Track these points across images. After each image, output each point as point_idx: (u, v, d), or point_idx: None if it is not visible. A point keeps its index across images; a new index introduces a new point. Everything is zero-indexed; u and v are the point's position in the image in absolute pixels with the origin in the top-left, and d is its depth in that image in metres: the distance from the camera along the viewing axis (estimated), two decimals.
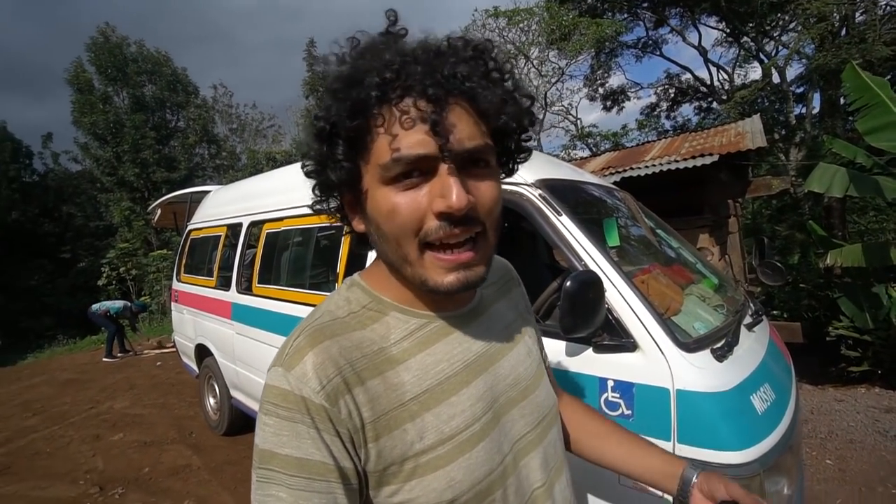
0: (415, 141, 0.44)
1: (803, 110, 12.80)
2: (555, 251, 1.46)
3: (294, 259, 2.88)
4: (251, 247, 3.39)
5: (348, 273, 2.30)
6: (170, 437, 3.88)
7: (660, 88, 17.51)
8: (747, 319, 1.60)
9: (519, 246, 2.62)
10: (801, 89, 13.02)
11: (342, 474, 0.44)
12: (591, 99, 17.54)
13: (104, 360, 7.43)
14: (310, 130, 0.51)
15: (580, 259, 1.37)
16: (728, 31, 14.26)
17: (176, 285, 4.43)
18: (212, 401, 3.92)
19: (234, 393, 3.48)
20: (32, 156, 22.70)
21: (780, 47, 13.14)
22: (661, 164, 4.04)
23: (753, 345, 1.46)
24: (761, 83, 12.11)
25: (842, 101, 8.92)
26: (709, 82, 15.98)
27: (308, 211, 2.59)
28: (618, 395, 1.25)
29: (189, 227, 4.36)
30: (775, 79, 12.41)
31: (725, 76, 15.67)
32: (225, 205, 3.84)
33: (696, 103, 17.34)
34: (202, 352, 3.88)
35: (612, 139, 15.40)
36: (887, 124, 4.12)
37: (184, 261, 4.35)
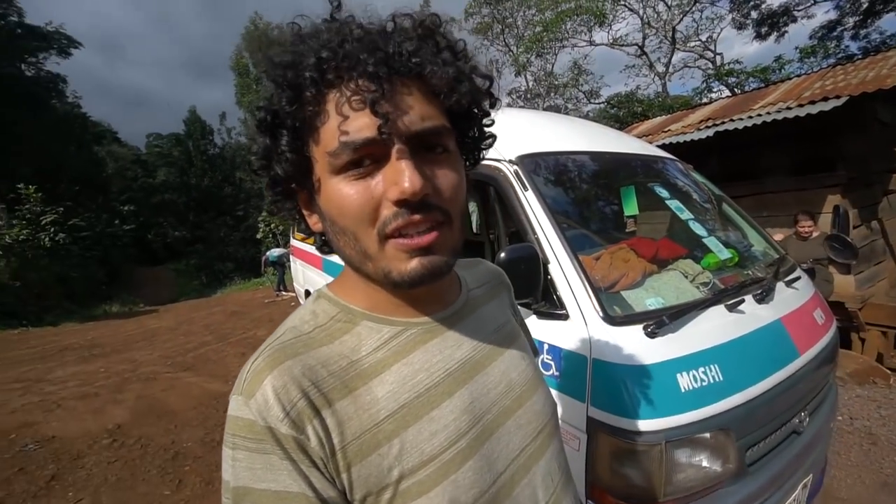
0: (360, 125, 0.41)
1: None
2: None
3: None
4: None
5: None
6: None
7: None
8: (742, 298, 1.51)
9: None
10: None
11: None
12: (740, 27, 14.42)
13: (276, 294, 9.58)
14: (252, 122, 0.48)
15: (533, 232, 1.48)
16: None
17: (293, 242, 5.44)
18: None
19: None
20: (213, 132, 28.09)
21: None
22: (760, 116, 3.41)
23: (726, 325, 1.41)
24: None
25: None
26: None
27: None
28: (550, 358, 1.39)
29: None
30: None
31: None
32: None
33: None
34: (308, 296, 4.81)
35: (761, 76, 12.45)
36: None
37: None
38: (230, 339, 6.23)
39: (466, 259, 0.67)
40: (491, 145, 0.57)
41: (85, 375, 5.01)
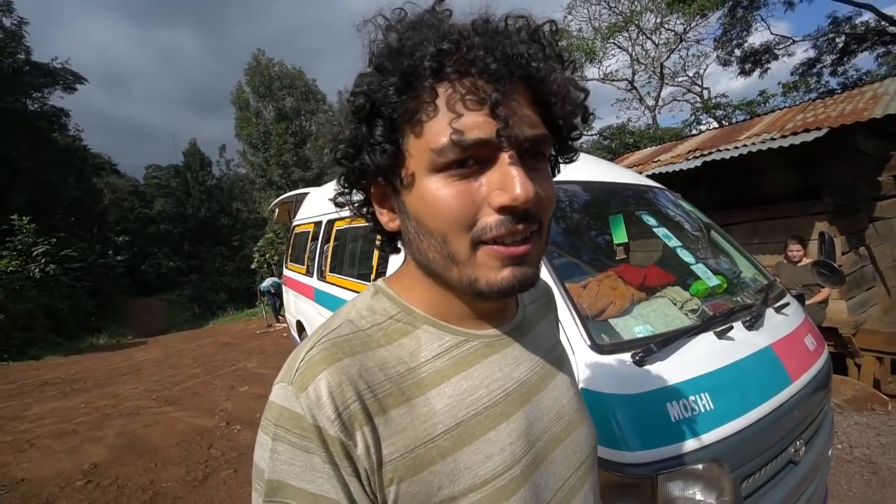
0: (474, 123, 0.38)
1: None
2: None
3: (350, 253, 3.38)
4: (328, 241, 4.02)
5: (381, 265, 2.69)
6: None
7: (821, 39, 14.20)
8: (730, 325, 1.50)
9: None
10: None
11: None
12: (724, 64, 15.11)
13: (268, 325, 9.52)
14: (344, 109, 0.45)
15: None
16: None
17: (285, 272, 5.40)
18: None
19: None
20: (211, 164, 28.50)
21: None
22: (746, 147, 3.51)
23: (715, 352, 1.39)
24: None
25: None
26: None
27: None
28: None
29: (294, 223, 5.27)
30: None
31: None
32: (315, 205, 4.57)
33: (881, 49, 13.62)
34: (300, 327, 4.73)
35: (747, 109, 13.04)
36: None
37: (289, 252, 5.28)
38: (219, 372, 6.07)
39: None
40: (573, 160, 0.54)
41: (64, 412, 4.84)
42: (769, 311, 1.67)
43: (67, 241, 14.11)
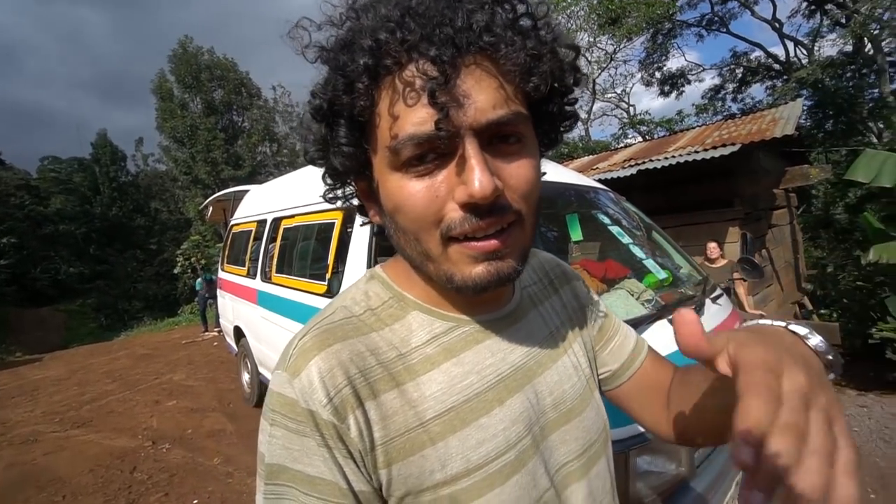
0: (421, 117, 0.35)
1: None
2: None
3: (301, 251, 3.22)
4: (273, 240, 3.79)
5: (337, 263, 2.59)
6: (212, 406, 4.46)
7: (725, 69, 16.20)
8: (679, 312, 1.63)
9: None
10: None
11: (358, 499, 0.39)
12: (647, 84, 16.65)
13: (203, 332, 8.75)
14: (307, 109, 0.43)
15: None
16: None
17: (221, 274, 5.01)
18: (246, 376, 4.43)
19: (261, 370, 3.93)
20: (126, 158, 25.73)
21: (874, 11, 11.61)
22: (675, 157, 3.90)
23: (670, 338, 1.51)
24: (839, 58, 10.81)
25: None
26: (783, 58, 14.52)
27: (310, 209, 2.88)
28: None
29: (231, 223, 4.91)
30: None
31: (804, 51, 14.14)
32: (257, 202, 4.29)
33: (769, 83, 15.82)
34: (238, 333, 4.40)
35: (667, 126, 14.60)
36: None
37: (226, 252, 4.90)
38: (140, 387, 5.44)
39: None
40: (572, 127, 0.49)
41: None
42: (707, 301, 1.86)
43: None
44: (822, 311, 5.20)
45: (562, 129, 0.48)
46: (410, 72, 0.36)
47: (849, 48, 11.83)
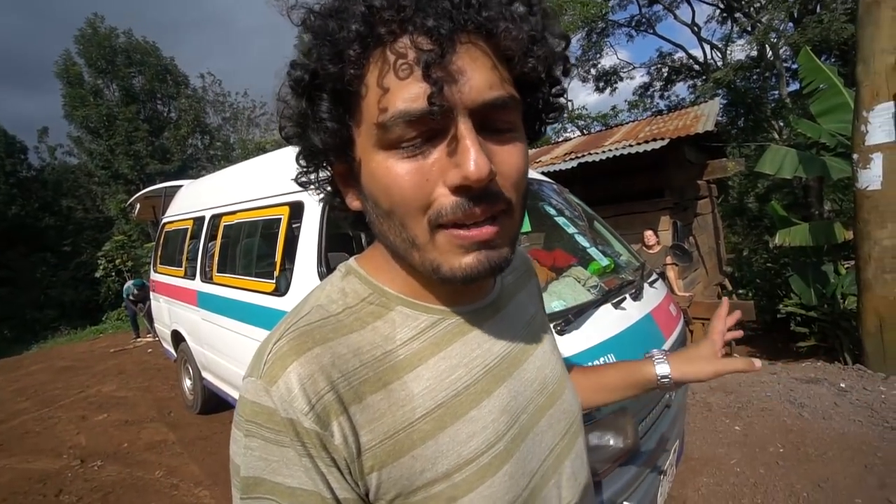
0: (415, 93, 0.33)
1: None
2: None
3: (245, 249, 3.07)
4: (213, 238, 3.57)
5: (285, 261, 2.50)
6: (150, 417, 4.14)
7: (653, 68, 17.40)
8: (624, 297, 1.77)
9: None
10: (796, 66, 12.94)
11: None
12: (584, 80, 17.46)
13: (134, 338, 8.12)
14: (286, 81, 0.40)
15: None
16: (722, 6, 14.09)
17: (153, 276, 4.63)
18: (187, 382, 4.16)
19: (204, 374, 3.71)
20: (27, 150, 22.77)
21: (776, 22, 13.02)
22: (612, 150, 4.16)
23: (614, 320, 1.63)
24: (747, 61, 12.01)
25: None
26: (702, 60, 15.85)
27: (254, 205, 2.72)
28: None
29: (163, 221, 4.55)
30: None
31: (719, 54, 15.53)
32: (192, 199, 4.01)
33: (690, 82, 17.22)
34: (177, 337, 4.11)
35: (602, 121, 15.49)
36: (836, 106, 4.21)
37: (159, 253, 4.54)
38: (61, 402, 4.91)
39: None
40: (558, 118, 0.48)
41: None
42: (645, 286, 2.02)
43: None
44: (740, 291, 5.81)
45: (548, 120, 0.47)
46: (403, 44, 0.34)
47: (754, 53, 13.18)
